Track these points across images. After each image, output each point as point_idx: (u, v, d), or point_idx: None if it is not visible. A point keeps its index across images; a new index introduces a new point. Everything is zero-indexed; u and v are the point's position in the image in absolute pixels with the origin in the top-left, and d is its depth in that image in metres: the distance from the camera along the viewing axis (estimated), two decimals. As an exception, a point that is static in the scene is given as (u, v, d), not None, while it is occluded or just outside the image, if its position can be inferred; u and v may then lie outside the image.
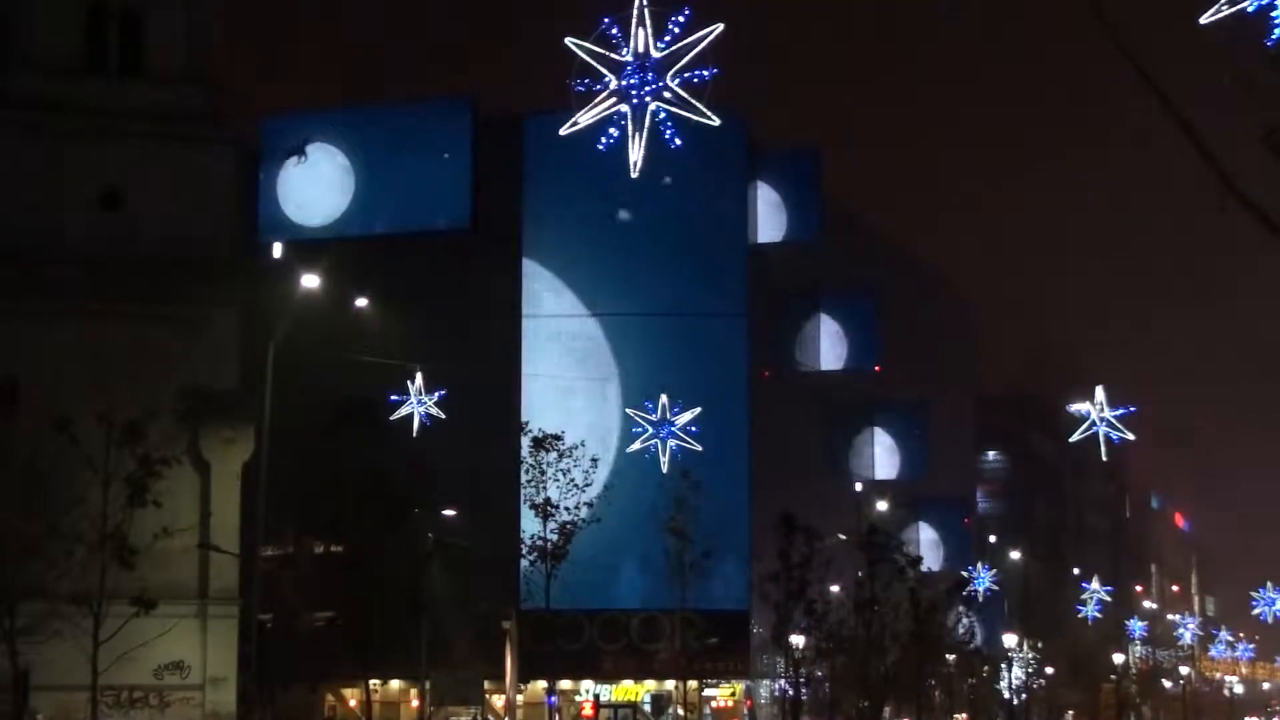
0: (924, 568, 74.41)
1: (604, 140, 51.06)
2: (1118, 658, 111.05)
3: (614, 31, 49.94)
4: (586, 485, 61.08)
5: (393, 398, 67.12)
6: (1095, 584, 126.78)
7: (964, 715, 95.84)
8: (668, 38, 50.16)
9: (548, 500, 60.13)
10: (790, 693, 68.48)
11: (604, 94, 49.31)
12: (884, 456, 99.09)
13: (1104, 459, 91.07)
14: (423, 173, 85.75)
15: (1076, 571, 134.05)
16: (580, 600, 71.77)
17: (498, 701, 79.17)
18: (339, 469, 50.13)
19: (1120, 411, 79.00)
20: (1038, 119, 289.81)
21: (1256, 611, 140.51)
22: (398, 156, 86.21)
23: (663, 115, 49.43)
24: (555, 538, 59.82)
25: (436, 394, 67.68)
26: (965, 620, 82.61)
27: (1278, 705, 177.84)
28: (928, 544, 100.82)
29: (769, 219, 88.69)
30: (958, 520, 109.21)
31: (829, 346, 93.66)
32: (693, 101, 49.59)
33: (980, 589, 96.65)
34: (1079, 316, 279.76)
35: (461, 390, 71.00)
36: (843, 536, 70.82)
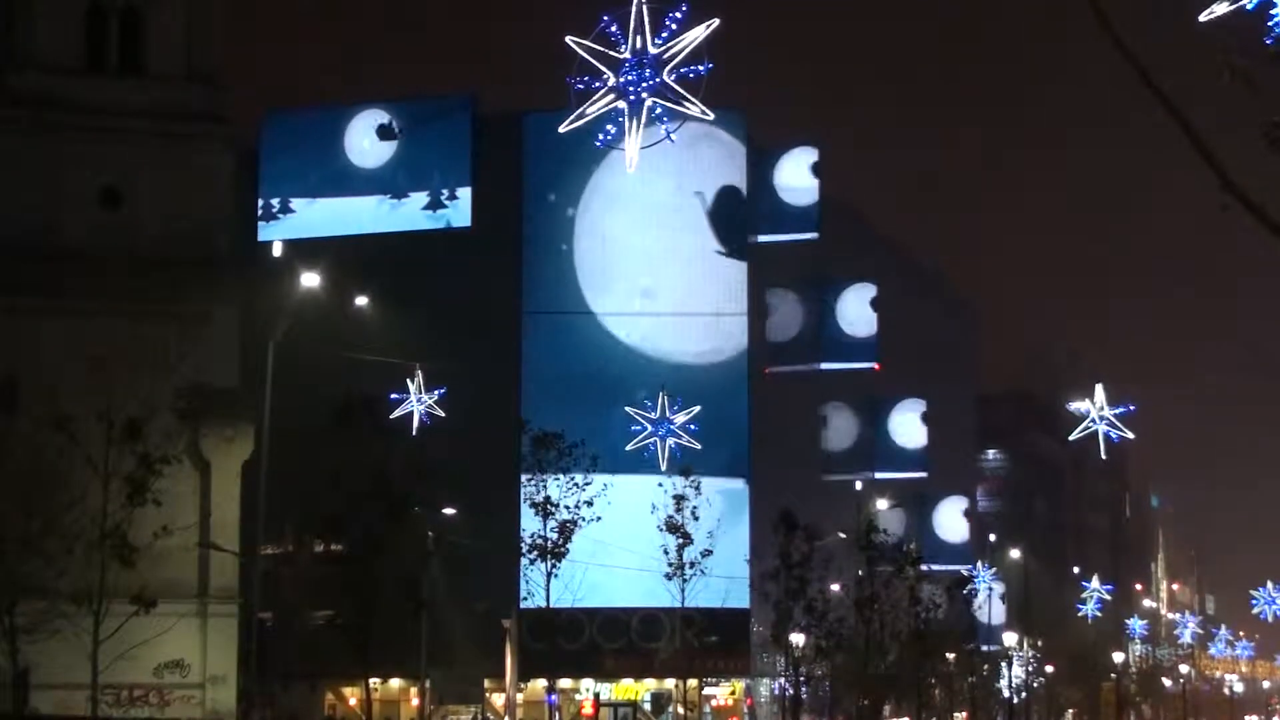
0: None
1: (601, 136, 51.12)
2: (1117, 656, 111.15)
3: (613, 29, 50.01)
4: (586, 484, 61.07)
5: (393, 396, 67.14)
6: (1095, 582, 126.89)
7: (964, 714, 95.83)
8: (664, 34, 50.22)
9: (547, 499, 60.11)
10: (790, 691, 68.48)
11: (602, 91, 49.35)
12: (883, 455, 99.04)
13: (1103, 457, 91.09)
14: (423, 171, 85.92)
15: (1076, 570, 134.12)
16: (580, 599, 71.80)
17: (498, 700, 79.22)
18: (339, 468, 50.01)
19: (1120, 410, 79.05)
20: (1038, 119, 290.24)
21: (1256, 610, 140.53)
22: (398, 155, 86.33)
23: (659, 111, 49.46)
24: (555, 536, 59.79)
25: (436, 392, 67.70)
26: (965, 617, 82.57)
27: (1277, 704, 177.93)
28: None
29: (768, 217, 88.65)
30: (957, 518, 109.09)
31: (828, 345, 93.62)
32: (688, 97, 49.64)
33: (980, 588, 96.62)
34: (1079, 316, 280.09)
35: (461, 389, 71.01)
36: (842, 535, 70.81)
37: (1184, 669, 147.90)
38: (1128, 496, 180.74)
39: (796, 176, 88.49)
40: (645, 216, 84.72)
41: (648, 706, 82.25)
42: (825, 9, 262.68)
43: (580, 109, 49.61)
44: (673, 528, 63.32)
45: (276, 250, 62.93)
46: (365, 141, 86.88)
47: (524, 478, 61.32)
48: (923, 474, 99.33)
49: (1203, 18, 19.19)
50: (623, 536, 71.40)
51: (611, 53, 49.57)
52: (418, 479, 52.70)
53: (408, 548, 53.92)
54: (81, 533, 44.54)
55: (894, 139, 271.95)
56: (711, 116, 50.32)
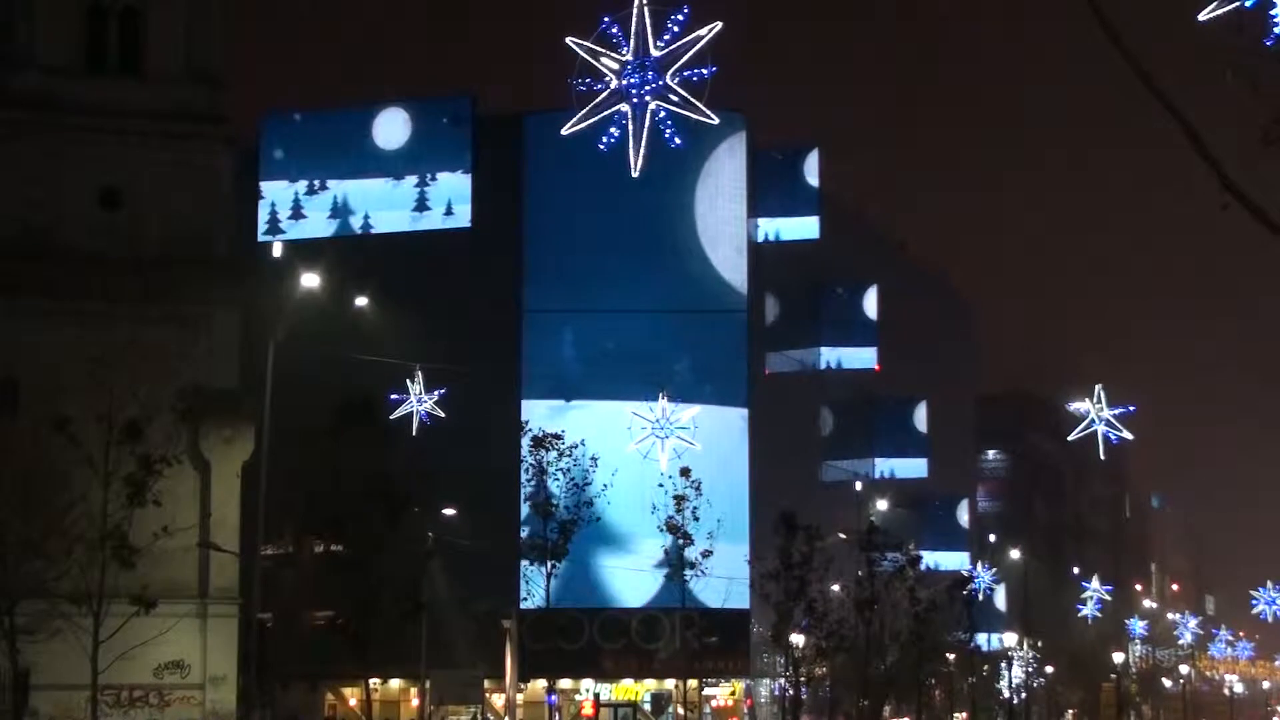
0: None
1: (604, 140, 51.09)
2: (1118, 657, 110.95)
3: (614, 31, 50.01)
4: (586, 484, 61.12)
5: (393, 397, 67.12)
6: (1095, 583, 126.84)
7: (964, 714, 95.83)
8: (667, 36, 50.22)
9: (548, 499, 60.15)
10: (790, 692, 68.44)
11: (604, 93, 49.35)
12: (883, 455, 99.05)
13: (1102, 458, 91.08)
14: (423, 172, 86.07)
15: (1076, 571, 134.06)
16: (580, 600, 71.87)
17: (498, 701, 79.21)
18: (339, 469, 50.07)
19: (1119, 411, 79.05)
20: (1037, 119, 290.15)
21: (1256, 610, 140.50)
22: (398, 155, 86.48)
23: (663, 114, 49.47)
24: (555, 537, 59.83)
25: (436, 393, 67.71)
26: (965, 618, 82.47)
27: (1277, 705, 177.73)
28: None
29: (769, 217, 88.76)
30: (957, 519, 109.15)
31: (828, 345, 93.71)
32: (692, 100, 49.65)
33: (980, 589, 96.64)
34: (1079, 316, 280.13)
35: (461, 390, 71.02)
36: (843, 535, 70.79)
37: (1184, 669, 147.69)
38: (1128, 496, 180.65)
39: (796, 177, 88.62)
40: (645, 217, 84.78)
41: (648, 707, 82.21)
42: (825, 9, 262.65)
43: (583, 111, 49.63)
44: (673, 529, 63.34)
45: (276, 250, 62.95)
46: (371, 141, 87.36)
47: (524, 478, 61.40)
48: (923, 464, 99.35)
49: (1202, 17, 19.20)
50: (623, 535, 71.60)
51: (613, 54, 49.59)
52: (418, 480, 52.73)
53: (408, 548, 53.96)
54: (82, 534, 44.54)
55: (894, 139, 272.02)
56: (716, 120, 50.32)
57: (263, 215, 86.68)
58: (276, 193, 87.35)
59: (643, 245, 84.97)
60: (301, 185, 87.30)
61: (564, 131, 52.04)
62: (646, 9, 49.96)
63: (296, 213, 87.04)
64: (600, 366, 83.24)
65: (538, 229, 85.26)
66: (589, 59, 49.81)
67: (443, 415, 67.59)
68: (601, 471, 61.99)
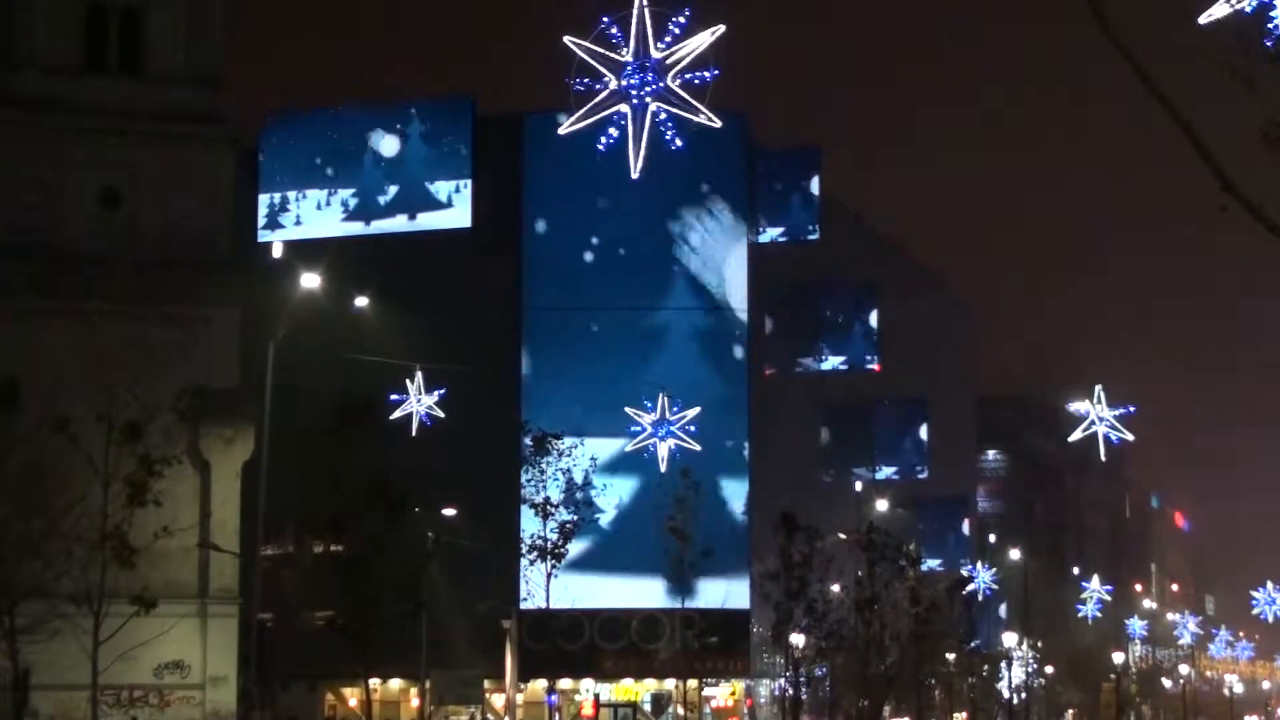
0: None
1: (604, 140, 51.09)
2: (1117, 657, 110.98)
3: (614, 31, 50.00)
4: (586, 485, 61.10)
5: (393, 397, 67.09)
6: (1095, 583, 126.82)
7: (964, 714, 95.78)
8: (668, 38, 50.20)
9: (547, 500, 60.14)
10: (790, 692, 68.39)
11: (603, 94, 49.32)
12: (884, 456, 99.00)
13: (1103, 459, 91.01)
14: (423, 172, 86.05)
15: (1076, 571, 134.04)
16: (580, 600, 71.73)
17: (498, 701, 79.18)
18: (339, 469, 50.07)
19: (1119, 411, 78.97)
20: (1038, 119, 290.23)
21: (1256, 611, 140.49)
22: (398, 156, 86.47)
23: (663, 116, 49.45)
24: (555, 537, 59.81)
25: (436, 394, 67.68)
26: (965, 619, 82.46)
27: (1277, 705, 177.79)
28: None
29: (769, 219, 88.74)
30: (957, 519, 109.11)
31: (828, 346, 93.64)
32: (693, 102, 49.64)
33: (980, 589, 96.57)
34: (1079, 316, 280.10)
35: (461, 390, 70.99)
36: (843, 536, 70.73)
37: (1184, 669, 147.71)
38: (1128, 497, 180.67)
39: (796, 177, 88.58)
40: (645, 218, 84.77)
41: (648, 707, 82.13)
42: (825, 9, 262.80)
43: (581, 111, 49.60)
44: (673, 530, 63.29)
45: (276, 251, 62.97)
46: (371, 141, 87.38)
47: (524, 478, 61.37)
48: (922, 472, 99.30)
49: (1203, 19, 19.21)
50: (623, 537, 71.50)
51: (612, 55, 49.57)
52: (418, 480, 52.70)
53: (408, 548, 53.94)
54: (82, 534, 44.58)
55: (894, 139, 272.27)
56: (719, 123, 50.23)
57: (263, 216, 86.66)
58: (277, 193, 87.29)
59: (642, 246, 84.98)
60: (302, 186, 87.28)
61: (561, 131, 52.07)
62: (647, 10, 49.94)
63: (297, 213, 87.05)
64: (600, 365, 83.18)
65: (538, 229, 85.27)
66: (588, 59, 49.81)
67: (442, 415, 67.54)
68: (601, 471, 61.90)
